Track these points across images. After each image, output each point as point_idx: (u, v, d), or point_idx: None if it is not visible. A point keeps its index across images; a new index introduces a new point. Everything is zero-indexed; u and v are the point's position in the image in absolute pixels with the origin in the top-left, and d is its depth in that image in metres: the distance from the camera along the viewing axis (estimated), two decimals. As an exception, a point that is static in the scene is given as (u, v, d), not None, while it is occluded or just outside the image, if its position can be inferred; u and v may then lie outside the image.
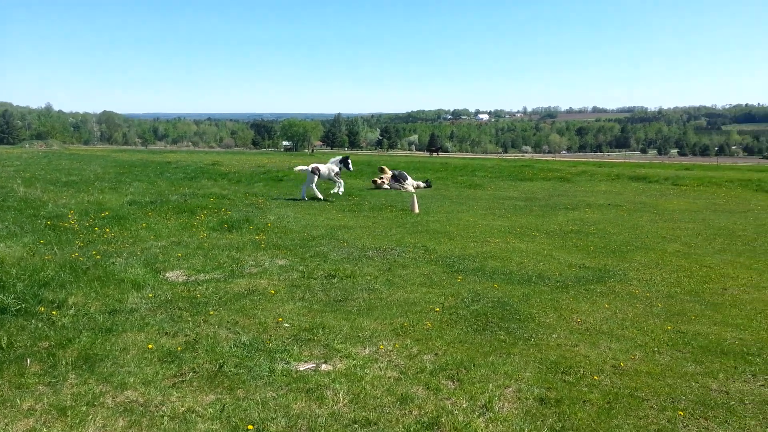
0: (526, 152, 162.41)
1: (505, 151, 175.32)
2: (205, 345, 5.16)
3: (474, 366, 4.83)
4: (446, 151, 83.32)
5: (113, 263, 8.10)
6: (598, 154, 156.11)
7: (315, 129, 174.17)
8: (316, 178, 17.78)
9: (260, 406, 4.03)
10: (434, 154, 71.88)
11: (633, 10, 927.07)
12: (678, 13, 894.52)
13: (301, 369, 4.69)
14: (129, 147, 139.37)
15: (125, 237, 10.32)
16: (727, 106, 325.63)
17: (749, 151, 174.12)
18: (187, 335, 5.43)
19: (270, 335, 5.49)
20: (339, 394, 4.23)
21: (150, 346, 5.08)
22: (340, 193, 18.31)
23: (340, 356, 4.99)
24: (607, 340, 5.60)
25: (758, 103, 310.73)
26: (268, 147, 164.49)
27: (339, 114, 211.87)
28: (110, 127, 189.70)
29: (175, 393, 4.22)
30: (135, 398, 4.13)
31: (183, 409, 3.99)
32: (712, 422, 3.98)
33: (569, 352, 5.26)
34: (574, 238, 11.41)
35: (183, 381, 4.43)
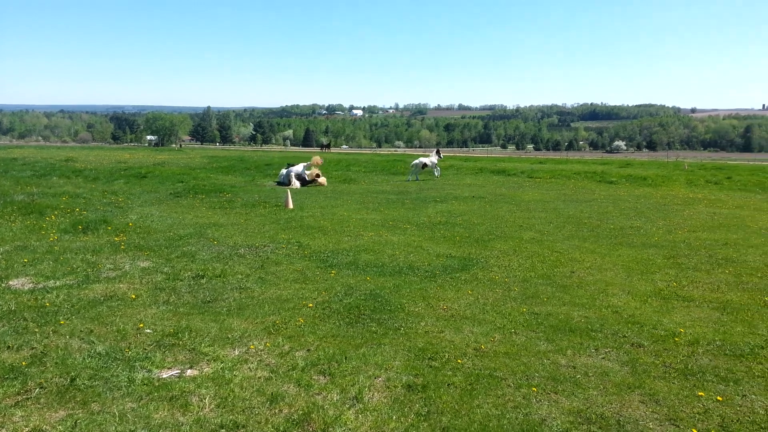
0: (399, 147, 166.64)
1: (379, 146, 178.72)
2: (54, 358, 4.74)
3: (346, 359, 4.90)
4: (328, 147, 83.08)
5: (-58, 273, 7.17)
6: (464, 149, 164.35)
7: (183, 123, 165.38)
8: (421, 168, 25.23)
9: (117, 419, 3.78)
10: (325, 150, 72.22)
11: (491, 12, 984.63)
12: (530, 18, 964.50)
13: (164, 376, 4.46)
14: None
15: (-43, 243, 9.16)
16: (575, 105, 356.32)
17: (594, 145, 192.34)
18: (33, 348, 4.95)
19: (129, 343, 5.16)
20: (205, 399, 4.08)
21: (-12, 363, 4.57)
22: (437, 176, 26.14)
23: (208, 360, 4.82)
24: (470, 324, 5.92)
25: (601, 102, 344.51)
26: (131, 142, 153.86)
27: (209, 107, 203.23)
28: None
29: (18, 412, 3.83)
30: (-31, 423, 3.69)
31: (28, 429, 3.64)
32: (561, 395, 4.36)
33: (436, 338, 5.50)
34: (442, 229, 11.92)
35: (28, 398, 4.03)
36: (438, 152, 28.01)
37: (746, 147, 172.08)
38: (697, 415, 4.07)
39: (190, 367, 4.67)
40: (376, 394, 4.27)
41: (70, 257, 8.45)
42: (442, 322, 5.99)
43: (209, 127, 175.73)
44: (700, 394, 4.39)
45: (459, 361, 4.93)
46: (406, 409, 4.03)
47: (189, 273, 7.74)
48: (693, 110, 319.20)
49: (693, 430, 3.85)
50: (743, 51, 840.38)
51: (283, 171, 23.38)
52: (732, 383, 4.61)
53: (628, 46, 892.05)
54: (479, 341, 5.43)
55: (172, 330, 5.49)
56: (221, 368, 4.64)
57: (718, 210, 15.70)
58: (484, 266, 8.59)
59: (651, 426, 3.91)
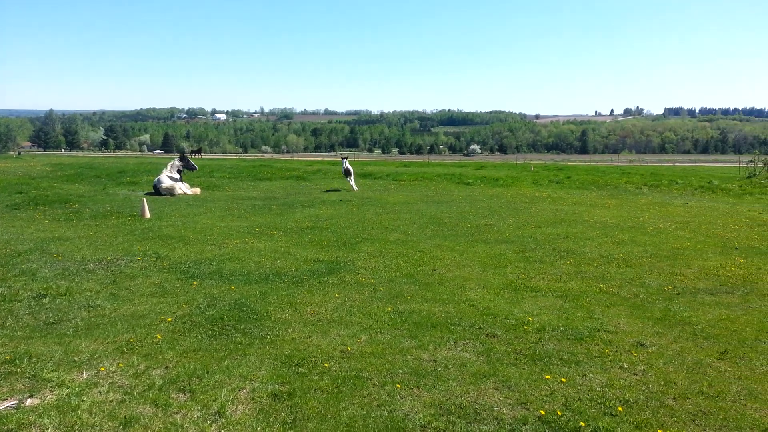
0: (266, 152, 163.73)
1: (245, 151, 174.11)
2: None
3: (208, 373, 4.71)
4: (199, 152, 76.13)
5: None
6: (332, 153, 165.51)
7: (22, 128, 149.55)
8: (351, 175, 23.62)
9: (-62, 464, 3.32)
10: (196, 156, 67.13)
11: (354, 17, 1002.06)
12: (390, 23, 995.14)
13: (-1, 409, 3.99)
14: None
15: None
16: (435, 111, 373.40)
17: (453, 149, 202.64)
18: None
19: (-46, 376, 4.55)
20: (48, 429, 3.72)
21: None
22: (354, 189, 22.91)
23: (51, 386, 4.39)
24: (337, 327, 5.98)
25: (458, 109, 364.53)
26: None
27: (51, 110, 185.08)
28: None
29: None
30: None
31: None
32: (423, 389, 4.54)
33: (303, 344, 5.48)
34: (309, 234, 11.90)
35: None
36: (343, 159, 24.43)
37: (583, 149, 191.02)
38: (544, 397, 4.44)
39: (31, 396, 4.22)
40: (240, 406, 4.15)
41: None
42: (309, 327, 5.98)
43: (53, 132, 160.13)
44: (546, 377, 4.80)
45: (326, 365, 4.95)
46: (271, 419, 3.97)
47: (29, 293, 7.00)
48: (537, 116, 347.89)
49: (541, 411, 4.19)
50: (578, 62, 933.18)
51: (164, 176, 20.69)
52: (574, 365, 5.09)
53: (480, 55, 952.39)
54: (346, 343, 5.50)
55: (8, 357, 4.93)
56: (67, 394, 4.25)
57: (559, 207, 17.27)
58: (352, 269, 8.70)
59: (504, 411, 4.20)
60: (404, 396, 4.40)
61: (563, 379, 4.75)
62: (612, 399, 4.42)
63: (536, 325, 6.13)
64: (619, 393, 4.53)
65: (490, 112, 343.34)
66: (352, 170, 23.77)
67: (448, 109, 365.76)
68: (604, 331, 6.01)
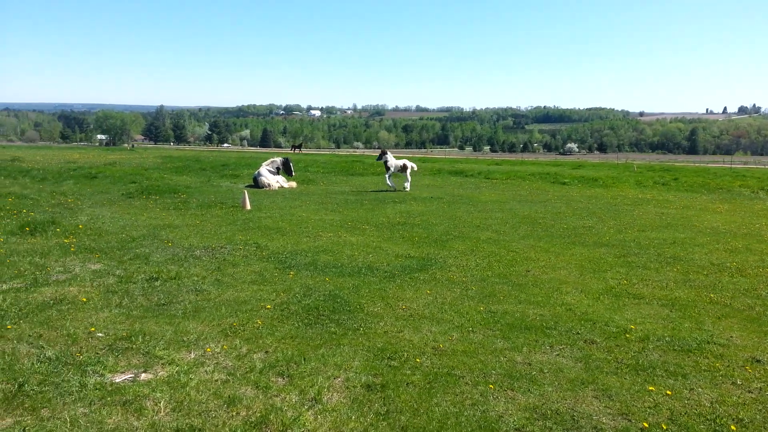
0: (358, 148, 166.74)
1: (338, 147, 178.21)
2: (1, 363, 4.54)
3: (305, 360, 4.86)
4: (300, 147, 78.90)
5: None
6: (423, 150, 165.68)
7: (135, 122, 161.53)
8: (389, 171, 21.80)
9: (69, 424, 3.65)
10: (297, 151, 69.52)
11: (447, 14, 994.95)
12: (484, 20, 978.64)
13: (118, 381, 4.34)
14: None
15: None
16: (529, 108, 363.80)
17: (548, 147, 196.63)
18: (-24, 355, 4.73)
19: (81, 347, 4.99)
20: (160, 403, 3.99)
21: (-74, 372, 4.34)
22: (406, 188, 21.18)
23: (162, 363, 4.71)
24: (428, 323, 5.97)
25: (554, 106, 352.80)
26: (81, 141, 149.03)
27: (162, 106, 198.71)
28: None
29: (-40, 423, 3.65)
30: None
31: (-30, 440, 3.48)
32: (518, 392, 4.43)
33: (395, 338, 5.52)
34: (400, 229, 11.98)
35: (-29, 408, 3.85)
36: (383, 153, 22.83)
37: (692, 149, 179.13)
38: (647, 409, 4.20)
39: (145, 371, 4.55)
40: (335, 394, 4.26)
41: (18, 260, 8.11)
42: (401, 321, 6.02)
43: (163, 126, 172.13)
44: (650, 388, 4.54)
45: (418, 360, 4.96)
46: (365, 409, 4.04)
47: (142, 275, 7.55)
48: (641, 114, 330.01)
49: (644, 423, 3.98)
50: (688, 57, 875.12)
51: (264, 169, 21.70)
52: (680, 377, 4.78)
53: (578, 50, 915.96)
54: (438, 340, 5.48)
55: (125, 333, 5.34)
56: (176, 371, 4.54)
57: (665, 210, 16.29)
58: (443, 266, 8.67)
59: (604, 421, 4.02)
60: (498, 397, 4.33)
61: (668, 392, 4.48)
62: (723, 416, 4.11)
63: (639, 333, 5.82)
64: (731, 410, 4.21)
65: (589, 109, 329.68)
66: (392, 167, 21.73)
67: (544, 106, 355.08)
68: (715, 343, 5.60)
